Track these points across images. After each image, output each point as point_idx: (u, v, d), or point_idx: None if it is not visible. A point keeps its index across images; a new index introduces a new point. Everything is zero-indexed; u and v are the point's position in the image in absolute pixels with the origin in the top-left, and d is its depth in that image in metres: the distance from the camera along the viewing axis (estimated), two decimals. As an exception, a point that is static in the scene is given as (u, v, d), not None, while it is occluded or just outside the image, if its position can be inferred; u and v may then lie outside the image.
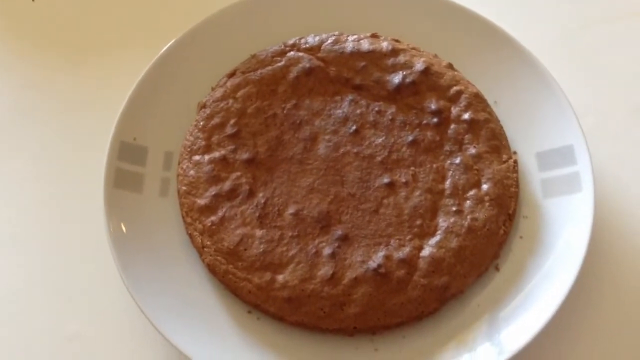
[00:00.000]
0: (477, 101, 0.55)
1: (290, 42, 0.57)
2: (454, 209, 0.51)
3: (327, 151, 0.53)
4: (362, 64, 0.56)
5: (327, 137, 0.54)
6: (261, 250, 0.50)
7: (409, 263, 0.49)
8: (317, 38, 0.57)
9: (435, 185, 0.52)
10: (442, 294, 0.49)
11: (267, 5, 0.58)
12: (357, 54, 0.56)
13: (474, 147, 0.53)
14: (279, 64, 0.56)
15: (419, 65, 0.55)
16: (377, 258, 0.49)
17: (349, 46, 0.56)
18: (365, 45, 0.56)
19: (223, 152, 0.53)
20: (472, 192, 0.52)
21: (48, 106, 0.61)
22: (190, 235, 0.51)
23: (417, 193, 0.52)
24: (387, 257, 0.49)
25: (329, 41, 0.57)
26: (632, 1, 0.65)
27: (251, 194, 0.52)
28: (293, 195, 0.52)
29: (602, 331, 0.51)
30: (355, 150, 0.53)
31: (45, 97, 0.61)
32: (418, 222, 0.51)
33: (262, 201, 0.51)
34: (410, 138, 0.54)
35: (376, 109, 0.55)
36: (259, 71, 0.56)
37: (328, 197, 0.51)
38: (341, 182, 0.52)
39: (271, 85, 0.55)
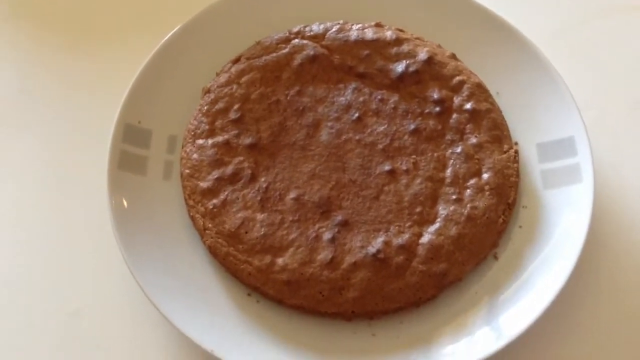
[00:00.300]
0: (480, 91, 0.55)
1: (295, 29, 0.57)
2: (454, 197, 0.52)
3: (330, 138, 0.53)
4: (366, 52, 0.56)
5: (329, 123, 0.54)
6: (262, 233, 0.50)
7: (408, 249, 0.50)
8: (321, 26, 0.57)
9: (436, 173, 0.52)
10: (440, 280, 0.49)
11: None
12: (361, 42, 0.56)
13: (475, 136, 0.54)
14: (284, 51, 0.56)
15: (422, 55, 0.56)
16: (376, 243, 0.50)
17: (353, 35, 0.57)
18: (370, 34, 0.57)
19: (226, 136, 0.54)
20: (472, 181, 0.52)
21: (54, 88, 0.61)
22: (192, 218, 0.52)
23: (418, 181, 0.52)
24: (387, 243, 0.50)
25: (334, 29, 0.57)
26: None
27: (253, 178, 0.52)
28: (295, 181, 0.52)
29: (600, 319, 0.52)
30: (357, 137, 0.54)
31: (51, 80, 0.62)
32: (418, 209, 0.51)
33: (264, 185, 0.52)
34: (412, 126, 0.54)
35: (379, 97, 0.55)
36: (263, 58, 0.56)
37: (329, 183, 0.52)
38: (342, 169, 0.53)
39: (275, 71, 0.56)
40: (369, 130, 0.54)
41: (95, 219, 0.54)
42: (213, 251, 0.51)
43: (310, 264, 0.49)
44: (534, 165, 0.54)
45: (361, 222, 0.51)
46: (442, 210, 0.51)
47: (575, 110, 0.53)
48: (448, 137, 0.54)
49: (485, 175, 0.52)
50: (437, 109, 0.54)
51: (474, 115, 0.54)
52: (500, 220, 0.51)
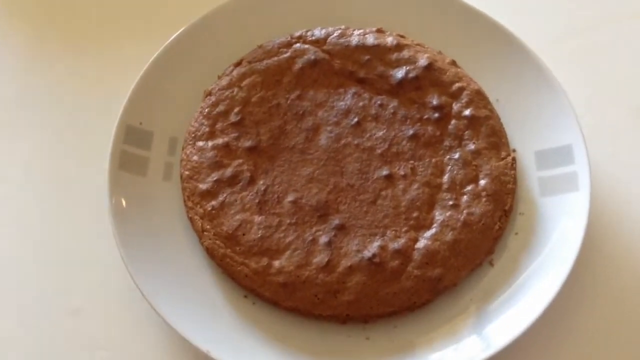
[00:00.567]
0: (479, 98, 0.56)
1: (297, 34, 0.58)
2: (450, 203, 0.52)
3: (329, 142, 0.54)
4: (367, 57, 0.57)
5: (329, 128, 0.55)
6: (259, 235, 0.51)
7: (404, 254, 0.50)
8: (323, 31, 0.58)
9: (433, 179, 0.53)
10: (435, 285, 0.50)
11: (275, -3, 0.60)
12: (362, 47, 0.57)
13: (474, 143, 0.54)
14: (285, 55, 0.57)
15: (422, 61, 0.56)
16: (372, 248, 0.50)
17: (355, 40, 0.57)
18: (371, 39, 0.57)
19: (226, 139, 0.54)
20: (469, 187, 0.52)
21: (56, 89, 0.62)
22: (191, 219, 0.52)
23: (415, 186, 0.52)
24: (382, 247, 0.50)
25: (335, 34, 0.58)
26: (634, 3, 0.65)
27: (252, 181, 0.53)
28: (293, 184, 0.52)
29: (595, 328, 0.52)
30: (356, 142, 0.54)
31: (53, 80, 0.62)
32: (414, 214, 0.51)
33: (262, 188, 0.52)
34: (410, 132, 0.54)
35: (378, 102, 0.55)
36: (264, 61, 0.57)
37: (327, 186, 0.52)
38: (341, 173, 0.53)
39: (276, 75, 0.56)
40: (367, 135, 0.54)
41: (95, 218, 0.54)
42: (211, 252, 0.51)
43: (306, 266, 0.50)
44: (532, 173, 0.54)
45: (358, 226, 0.51)
46: (439, 215, 0.51)
47: (573, 119, 0.54)
48: (446, 143, 0.54)
49: (482, 182, 0.53)
50: (436, 115, 0.55)
51: (473, 122, 0.55)
52: (497, 226, 0.52)
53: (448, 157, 0.54)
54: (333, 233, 0.51)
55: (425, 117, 0.55)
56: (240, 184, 0.52)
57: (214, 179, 0.53)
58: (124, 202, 0.51)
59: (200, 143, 0.54)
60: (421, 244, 0.50)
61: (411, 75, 0.56)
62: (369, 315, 0.49)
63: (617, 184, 0.57)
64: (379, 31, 0.58)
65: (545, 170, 0.54)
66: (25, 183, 0.58)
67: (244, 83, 0.56)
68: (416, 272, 0.49)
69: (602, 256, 0.54)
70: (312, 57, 0.57)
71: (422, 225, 0.51)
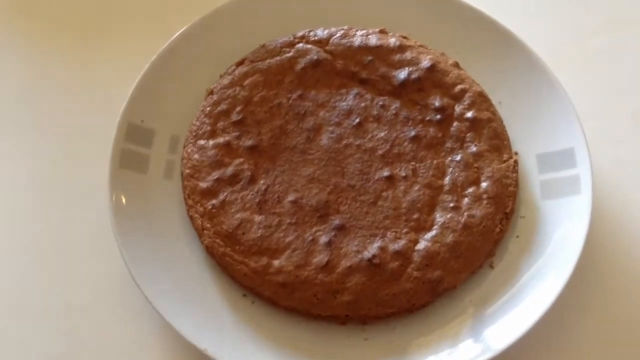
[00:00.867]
0: (481, 100, 0.55)
1: (300, 34, 0.58)
2: (451, 205, 0.52)
3: (330, 142, 0.54)
4: (369, 58, 0.57)
5: (330, 128, 0.54)
6: (259, 235, 0.50)
7: (404, 255, 0.50)
8: (326, 31, 0.58)
9: (434, 180, 0.53)
10: (435, 287, 0.49)
11: (279, -3, 0.60)
12: (365, 48, 0.57)
13: (475, 145, 0.54)
14: (287, 55, 0.57)
15: (425, 63, 0.56)
16: (372, 249, 0.50)
17: (357, 40, 0.57)
18: (373, 40, 0.57)
19: (227, 138, 0.54)
20: (470, 190, 0.52)
21: (58, 86, 0.62)
22: (191, 217, 0.52)
23: (416, 188, 0.52)
24: (382, 249, 0.50)
25: (338, 35, 0.58)
26: (639, 8, 0.65)
27: (252, 180, 0.52)
28: (293, 184, 0.52)
29: (594, 333, 0.51)
30: (357, 142, 0.54)
31: (56, 77, 0.62)
32: (415, 216, 0.51)
33: (263, 188, 0.52)
34: (412, 133, 0.54)
35: (380, 103, 0.55)
36: (267, 61, 0.57)
37: (328, 187, 0.52)
38: (342, 173, 0.53)
39: (278, 75, 0.56)
40: (369, 135, 0.54)
41: (95, 215, 0.54)
42: (210, 251, 0.51)
43: (305, 266, 0.49)
44: (534, 176, 0.54)
45: (358, 227, 0.51)
46: (439, 217, 0.51)
47: (576, 122, 0.53)
48: (448, 144, 0.54)
49: (483, 184, 0.52)
50: (438, 116, 0.55)
51: (475, 124, 0.54)
52: (497, 229, 0.51)
53: (449, 159, 0.53)
54: (333, 233, 0.50)
55: (427, 118, 0.55)
56: (241, 183, 0.52)
57: (215, 177, 0.53)
58: (124, 200, 0.51)
59: (202, 141, 0.54)
60: (421, 245, 0.50)
61: (414, 76, 0.56)
62: (368, 316, 0.49)
63: (618, 188, 0.57)
64: (382, 32, 0.58)
65: (547, 173, 0.54)
66: (27, 180, 0.58)
67: (246, 82, 0.56)
68: (416, 274, 0.49)
69: (603, 261, 0.53)
70: (315, 57, 0.57)
71: (422, 227, 0.51)
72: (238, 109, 0.55)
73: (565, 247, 0.50)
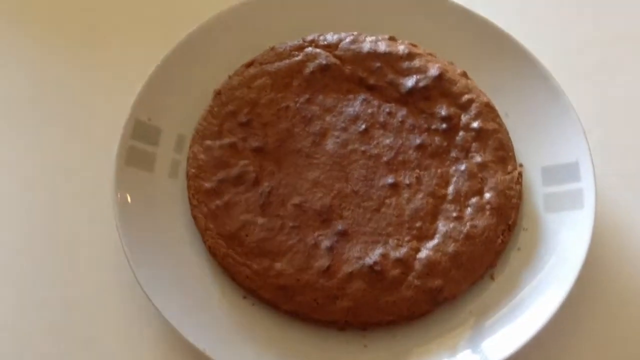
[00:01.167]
0: (488, 111, 0.56)
1: (309, 38, 0.58)
2: (454, 214, 0.52)
3: (335, 147, 0.54)
4: (378, 64, 0.57)
5: (336, 133, 0.55)
6: (261, 237, 0.51)
7: (405, 263, 0.50)
8: (335, 36, 0.58)
9: (438, 189, 0.53)
10: (435, 296, 0.49)
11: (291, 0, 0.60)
12: (374, 54, 0.57)
13: (480, 155, 0.54)
14: (296, 58, 0.57)
15: (433, 71, 0.56)
16: (373, 255, 0.50)
17: (366, 46, 0.57)
18: (382, 46, 0.57)
19: (234, 139, 0.54)
20: (473, 200, 0.52)
21: (67, 83, 0.62)
22: (195, 217, 0.52)
23: (420, 196, 0.52)
24: (384, 256, 0.50)
25: (347, 40, 0.58)
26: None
27: (257, 182, 0.53)
28: (298, 187, 0.53)
29: (591, 351, 0.51)
30: (362, 148, 0.54)
31: (65, 74, 0.62)
32: (418, 224, 0.51)
33: (267, 190, 0.52)
34: (417, 141, 0.54)
35: (387, 110, 0.56)
36: (275, 63, 0.57)
37: (332, 192, 0.52)
38: (346, 179, 0.53)
39: (286, 78, 0.56)
40: (374, 142, 0.54)
41: (99, 212, 0.55)
42: (213, 251, 0.51)
43: (306, 270, 0.50)
44: (538, 188, 0.54)
45: (360, 233, 0.51)
46: (442, 226, 0.51)
47: (581, 136, 0.53)
48: (453, 154, 0.54)
49: (487, 195, 0.53)
50: (444, 125, 0.55)
51: (481, 135, 0.55)
52: (499, 240, 0.52)
53: (454, 168, 0.54)
54: (335, 238, 0.51)
55: (433, 127, 0.55)
56: (245, 184, 0.53)
57: (220, 178, 0.53)
58: (129, 198, 0.51)
59: (208, 142, 0.54)
60: (423, 254, 0.50)
61: (421, 84, 0.56)
62: (368, 322, 0.49)
63: (622, 203, 0.57)
64: (391, 39, 0.58)
65: (551, 186, 0.54)
66: (32, 175, 0.58)
67: (254, 84, 0.56)
68: (416, 282, 0.49)
69: (604, 276, 0.54)
70: (324, 61, 0.57)
71: (424, 236, 0.51)
72: (245, 110, 0.55)
73: (566, 262, 0.50)
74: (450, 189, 0.53)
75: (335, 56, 0.57)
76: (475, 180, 0.53)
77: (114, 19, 0.65)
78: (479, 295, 0.51)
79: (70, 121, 0.60)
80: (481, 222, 0.51)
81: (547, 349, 0.51)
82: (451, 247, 0.51)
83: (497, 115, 0.56)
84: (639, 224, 0.56)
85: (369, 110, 0.55)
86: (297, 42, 0.58)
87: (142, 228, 0.51)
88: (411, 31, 0.59)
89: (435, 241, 0.51)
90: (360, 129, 0.55)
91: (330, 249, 0.50)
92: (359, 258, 0.50)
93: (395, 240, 0.51)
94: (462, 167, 0.53)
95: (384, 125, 0.55)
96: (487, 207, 0.52)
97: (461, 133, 0.55)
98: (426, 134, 0.55)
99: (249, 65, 0.57)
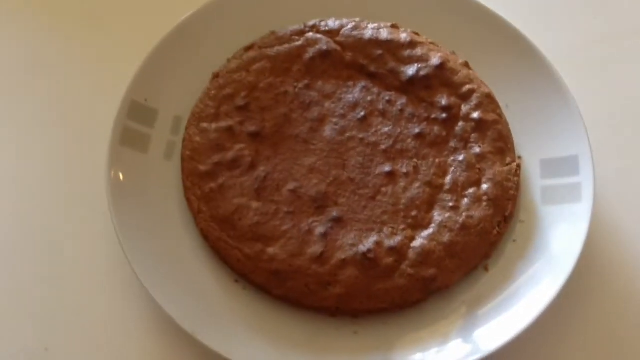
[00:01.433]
0: (488, 102, 0.55)
1: (311, 23, 0.57)
2: (450, 204, 0.51)
3: (333, 134, 0.53)
4: (379, 52, 0.56)
5: (334, 120, 0.54)
6: (255, 221, 0.50)
7: (399, 252, 0.49)
8: (337, 22, 0.57)
9: (435, 179, 0.52)
10: (428, 285, 0.49)
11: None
12: (375, 41, 0.56)
13: (479, 146, 0.53)
14: (297, 43, 0.56)
15: (434, 60, 0.56)
16: (367, 243, 0.49)
17: (368, 33, 0.57)
18: (384, 34, 0.57)
19: (230, 122, 0.54)
20: (471, 190, 0.52)
21: (67, 62, 0.62)
22: (188, 200, 0.52)
23: (416, 185, 0.52)
24: (378, 244, 0.49)
25: (349, 26, 0.57)
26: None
27: (252, 166, 0.52)
28: (293, 173, 0.52)
29: (585, 343, 0.51)
30: (360, 136, 0.53)
31: (65, 53, 0.62)
32: (413, 213, 0.51)
33: (262, 175, 0.52)
34: (416, 130, 0.54)
35: (387, 98, 0.55)
36: (275, 48, 0.56)
37: (328, 178, 0.52)
38: (342, 166, 0.52)
39: (286, 63, 0.56)
40: (373, 130, 0.54)
41: (92, 191, 0.54)
42: (205, 234, 0.51)
43: (299, 256, 0.49)
44: (536, 180, 0.54)
45: (355, 220, 0.50)
46: (438, 216, 0.51)
47: (582, 130, 0.53)
48: (451, 144, 0.53)
49: (484, 186, 0.52)
50: (444, 115, 0.54)
51: (480, 125, 0.54)
52: (495, 231, 0.51)
53: (452, 158, 0.53)
54: (329, 225, 0.50)
55: (433, 116, 0.54)
56: (240, 168, 0.52)
57: (215, 161, 0.52)
58: (122, 177, 0.51)
59: (204, 124, 0.54)
60: (417, 243, 0.50)
61: (422, 73, 0.55)
62: (359, 309, 0.49)
63: (620, 199, 0.56)
64: (394, 27, 0.58)
65: (550, 179, 0.53)
66: (26, 153, 0.58)
67: (253, 68, 0.56)
68: (410, 271, 0.49)
69: (599, 270, 0.53)
70: (324, 47, 0.56)
71: (419, 225, 0.51)
72: (243, 94, 0.55)
73: (562, 255, 0.49)
74: (448, 179, 0.52)
75: (336, 42, 0.57)
76: (473, 171, 0.52)
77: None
78: (472, 286, 0.50)
79: (67, 100, 0.60)
80: (477, 212, 0.51)
81: (540, 341, 0.50)
82: (446, 237, 0.50)
83: (498, 107, 0.55)
84: (636, 220, 0.55)
85: (369, 98, 0.55)
86: (298, 27, 0.57)
87: (134, 208, 0.50)
88: (414, 20, 0.58)
89: (430, 230, 0.50)
90: (359, 116, 0.54)
91: (324, 235, 0.50)
92: (353, 245, 0.49)
93: (390, 229, 0.50)
94: (461, 158, 0.53)
95: (383, 113, 0.54)
96: (484, 198, 0.51)
97: (461, 123, 0.54)
98: (425, 123, 0.54)
99: (249, 48, 0.57)
